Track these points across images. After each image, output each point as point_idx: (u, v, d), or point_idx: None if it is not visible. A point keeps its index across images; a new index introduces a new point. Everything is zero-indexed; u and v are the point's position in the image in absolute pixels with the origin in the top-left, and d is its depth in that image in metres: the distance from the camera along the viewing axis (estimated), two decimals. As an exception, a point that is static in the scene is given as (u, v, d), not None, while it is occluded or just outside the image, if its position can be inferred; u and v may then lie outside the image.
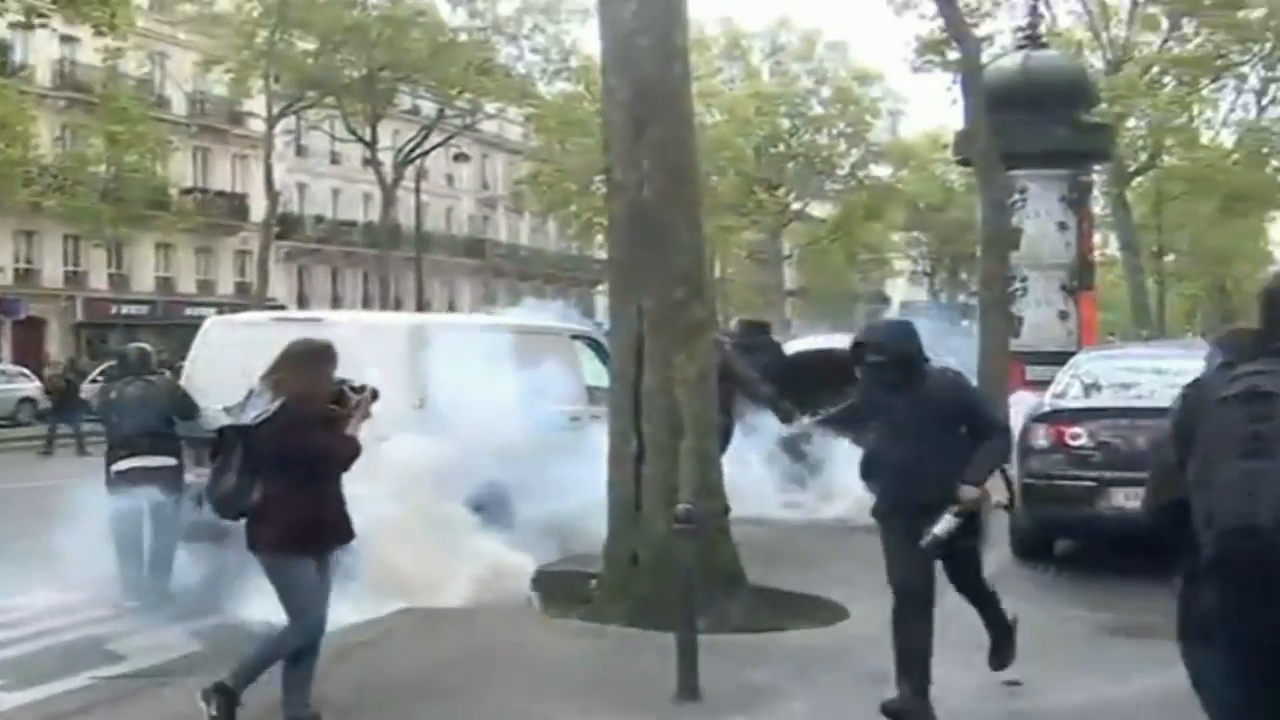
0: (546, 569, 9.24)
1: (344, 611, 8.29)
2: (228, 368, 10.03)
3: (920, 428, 6.08)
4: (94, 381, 32.18)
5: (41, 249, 44.19)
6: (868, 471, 6.48)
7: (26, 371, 36.82)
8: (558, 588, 8.98)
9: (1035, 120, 23.56)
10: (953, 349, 12.41)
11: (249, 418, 5.99)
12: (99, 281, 45.93)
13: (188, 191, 47.99)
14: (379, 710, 6.41)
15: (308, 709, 6.08)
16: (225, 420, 6.29)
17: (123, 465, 9.47)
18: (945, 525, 5.90)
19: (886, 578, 6.15)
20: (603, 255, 42.38)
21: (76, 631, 8.65)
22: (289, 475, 5.95)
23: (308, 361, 6.19)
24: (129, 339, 41.98)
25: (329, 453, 6.10)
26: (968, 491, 5.98)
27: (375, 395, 6.32)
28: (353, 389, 6.27)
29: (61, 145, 41.78)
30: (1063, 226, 24.50)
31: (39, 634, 8.58)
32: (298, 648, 6.06)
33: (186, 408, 9.74)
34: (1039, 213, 24.17)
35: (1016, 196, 23.32)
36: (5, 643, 8.34)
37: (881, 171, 59.52)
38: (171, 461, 9.54)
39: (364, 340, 9.67)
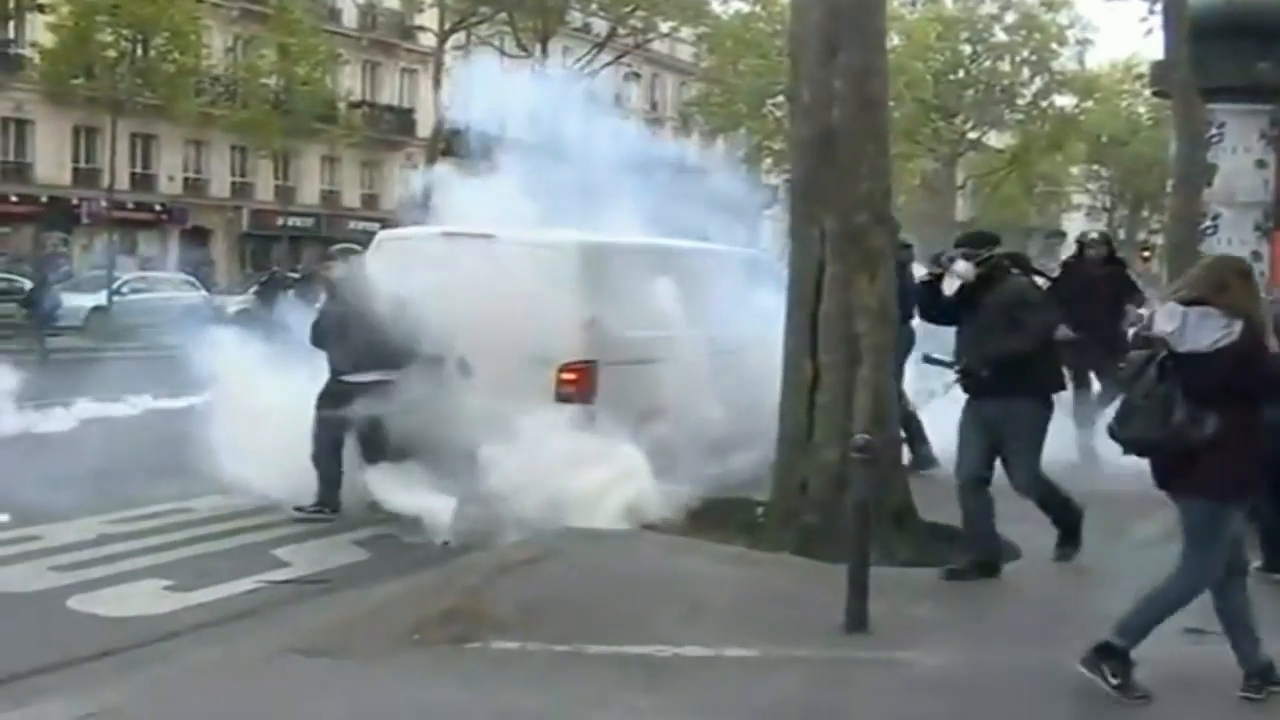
0: (706, 497, 9.02)
1: (504, 529, 8.30)
2: (399, 281, 10.07)
3: None
4: (255, 294, 31.04)
5: (209, 159, 44.58)
6: None
7: (194, 280, 36.15)
8: (718, 515, 8.77)
9: (1238, 52, 22.31)
10: None
11: (1205, 342, 5.27)
12: (265, 193, 46.20)
13: (356, 105, 48.06)
14: (540, 627, 6.29)
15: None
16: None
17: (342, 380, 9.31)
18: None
19: None
20: (770, 180, 41.77)
21: (242, 537, 8.75)
22: (1243, 408, 5.34)
23: (1250, 280, 5.53)
24: (293, 251, 42.90)
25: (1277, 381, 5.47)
26: None
27: None
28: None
29: (233, 56, 42.42)
30: (1261, 164, 23.21)
31: (205, 537, 8.69)
32: (1184, 603, 5.55)
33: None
34: (1236, 149, 22.96)
35: (1214, 131, 22.15)
36: (174, 545, 8.46)
37: (1064, 102, 57.52)
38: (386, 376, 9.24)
39: (533, 258, 9.57)
